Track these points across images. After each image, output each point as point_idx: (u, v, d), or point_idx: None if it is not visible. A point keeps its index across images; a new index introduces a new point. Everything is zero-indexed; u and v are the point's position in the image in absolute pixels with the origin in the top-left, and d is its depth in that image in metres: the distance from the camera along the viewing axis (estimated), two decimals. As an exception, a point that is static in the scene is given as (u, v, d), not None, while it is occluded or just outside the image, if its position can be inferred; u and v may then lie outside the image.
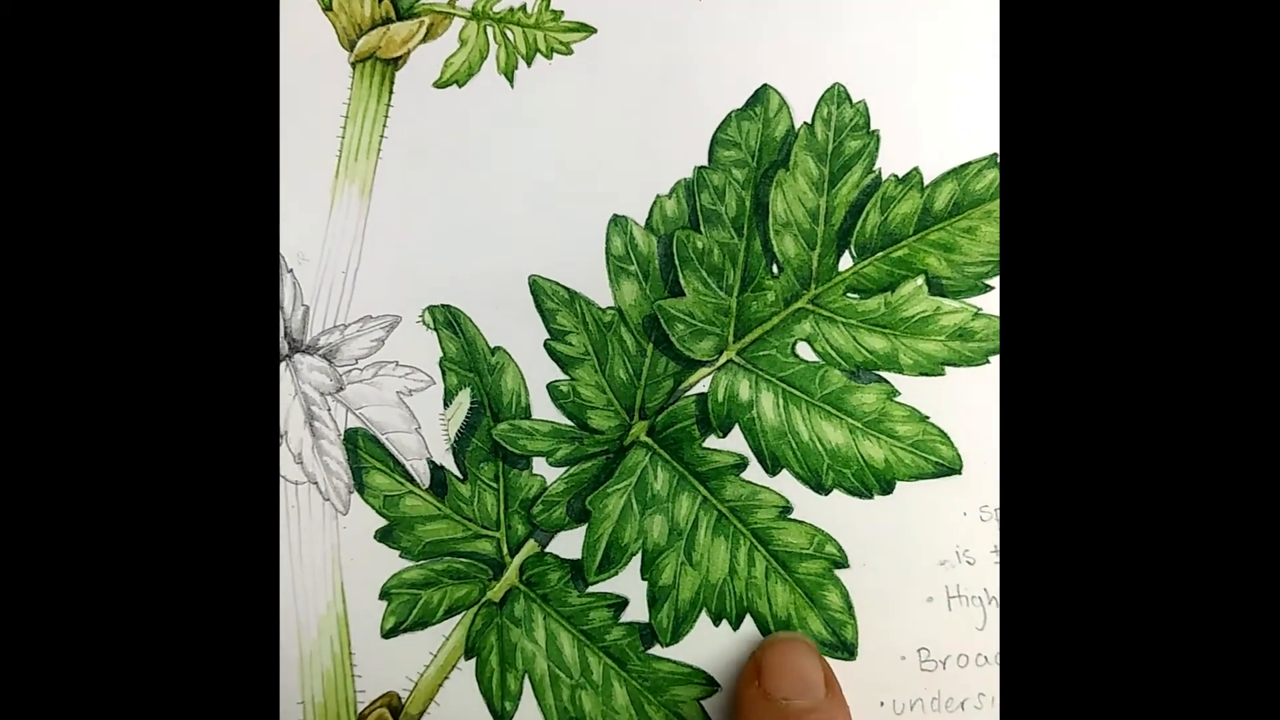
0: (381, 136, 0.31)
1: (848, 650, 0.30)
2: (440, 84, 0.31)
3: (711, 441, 0.31)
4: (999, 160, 0.30)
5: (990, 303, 0.30)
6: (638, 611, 0.31)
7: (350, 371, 0.31)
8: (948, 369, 0.30)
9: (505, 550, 0.31)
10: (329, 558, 0.31)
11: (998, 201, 0.30)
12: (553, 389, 0.31)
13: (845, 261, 0.31)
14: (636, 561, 0.30)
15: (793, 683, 0.28)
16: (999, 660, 0.30)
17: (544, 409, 0.31)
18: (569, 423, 0.31)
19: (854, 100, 0.30)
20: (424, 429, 0.31)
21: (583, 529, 0.31)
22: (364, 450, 0.31)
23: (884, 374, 0.30)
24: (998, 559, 0.30)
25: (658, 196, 0.31)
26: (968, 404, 0.30)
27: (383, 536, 0.31)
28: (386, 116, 0.31)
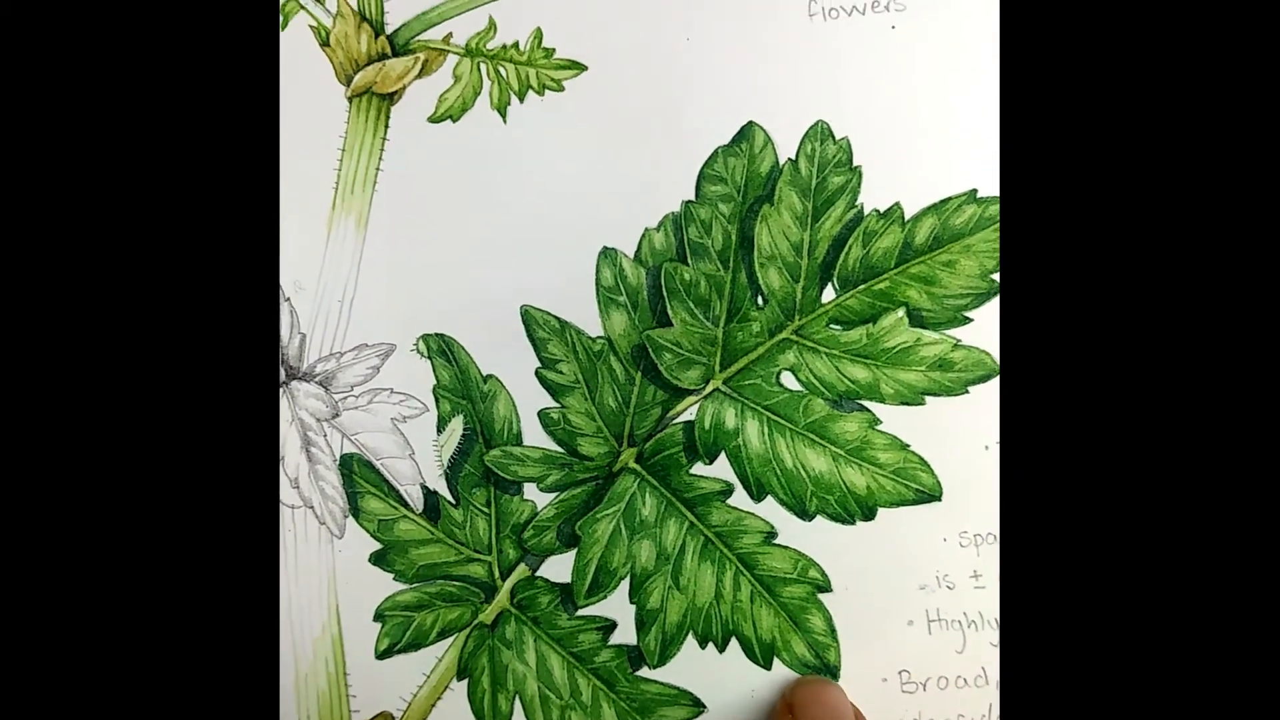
0: (377, 169, 0.32)
1: (831, 672, 0.31)
2: (435, 119, 0.32)
3: (698, 468, 0.31)
4: (999, 191, 0.31)
5: (969, 334, 0.31)
6: (626, 634, 0.31)
7: (346, 398, 0.32)
8: (928, 398, 0.31)
9: (497, 574, 0.32)
10: (324, 580, 0.32)
11: (977, 236, 0.31)
12: (544, 416, 0.32)
13: (828, 294, 0.31)
14: (625, 585, 0.31)
15: (825, 712, 0.29)
16: (983, 682, 0.31)
17: (535, 436, 0.32)
18: (559, 449, 0.32)
19: (837, 137, 0.31)
20: (418, 455, 0.32)
21: (572, 553, 0.31)
22: (359, 475, 0.32)
23: (866, 403, 0.31)
24: (977, 584, 0.31)
25: (646, 230, 0.32)
26: (947, 432, 0.31)
27: (377, 560, 0.32)
28: (382, 150, 0.32)
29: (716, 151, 0.31)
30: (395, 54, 0.32)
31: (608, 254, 0.32)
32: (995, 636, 0.31)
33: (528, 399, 0.32)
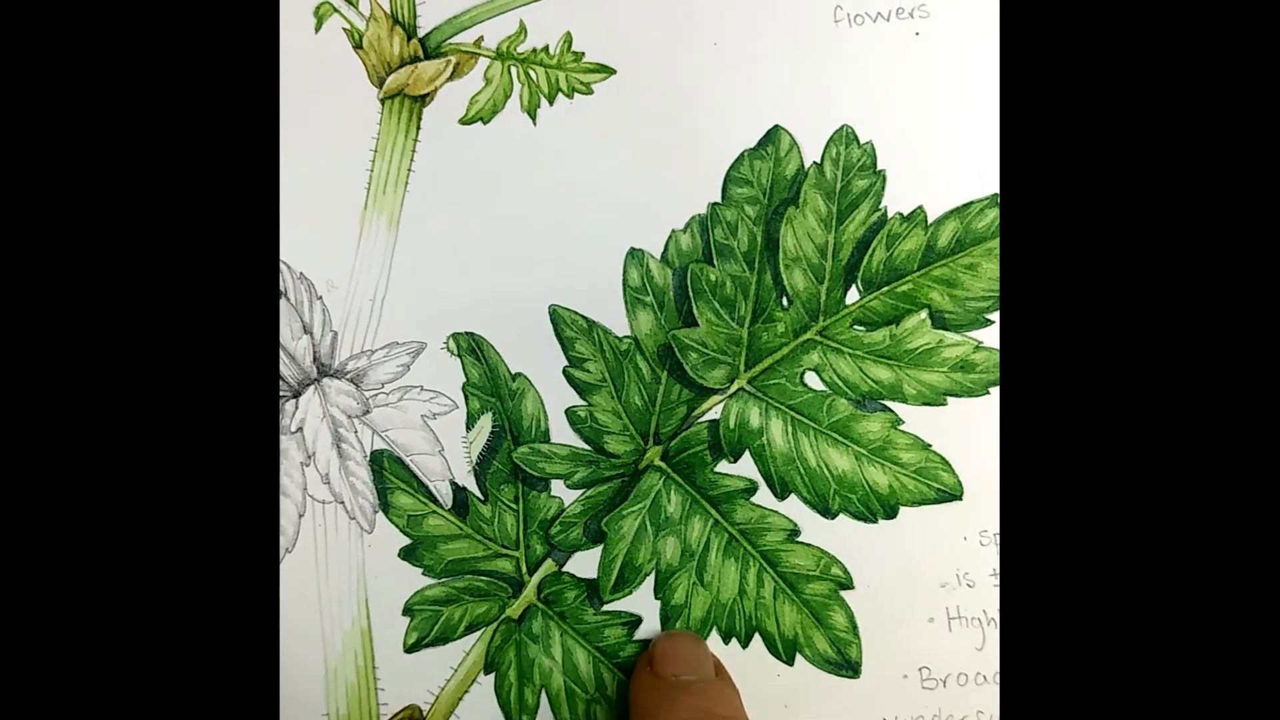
0: (409, 170, 0.33)
1: (852, 669, 0.31)
2: (465, 121, 0.33)
3: (723, 466, 0.32)
4: (999, 196, 0.32)
5: (991, 336, 0.32)
6: (651, 629, 0.32)
7: (377, 395, 0.32)
8: (949, 399, 0.32)
9: (524, 569, 0.32)
10: (354, 575, 0.32)
11: (999, 239, 0.31)
12: (571, 414, 0.32)
13: (852, 295, 0.32)
14: (650, 581, 0.32)
15: (682, 663, 0.30)
16: (999, 679, 0.31)
17: (562, 433, 0.32)
18: (586, 447, 0.32)
19: (861, 141, 0.32)
20: (447, 451, 0.32)
21: (599, 549, 0.32)
22: (389, 471, 0.32)
23: (888, 403, 0.32)
24: (996, 582, 0.31)
25: (673, 231, 0.32)
26: (968, 433, 0.31)
27: (406, 555, 0.32)
28: (414, 151, 0.33)
29: (742, 154, 0.32)
30: (427, 56, 0.33)
31: (635, 255, 0.32)
32: (1015, 634, 0.31)
33: (555, 397, 0.32)
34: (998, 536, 0.32)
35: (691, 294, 0.32)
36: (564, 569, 0.32)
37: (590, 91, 0.32)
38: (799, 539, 0.32)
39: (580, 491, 0.32)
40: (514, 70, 0.33)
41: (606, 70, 0.32)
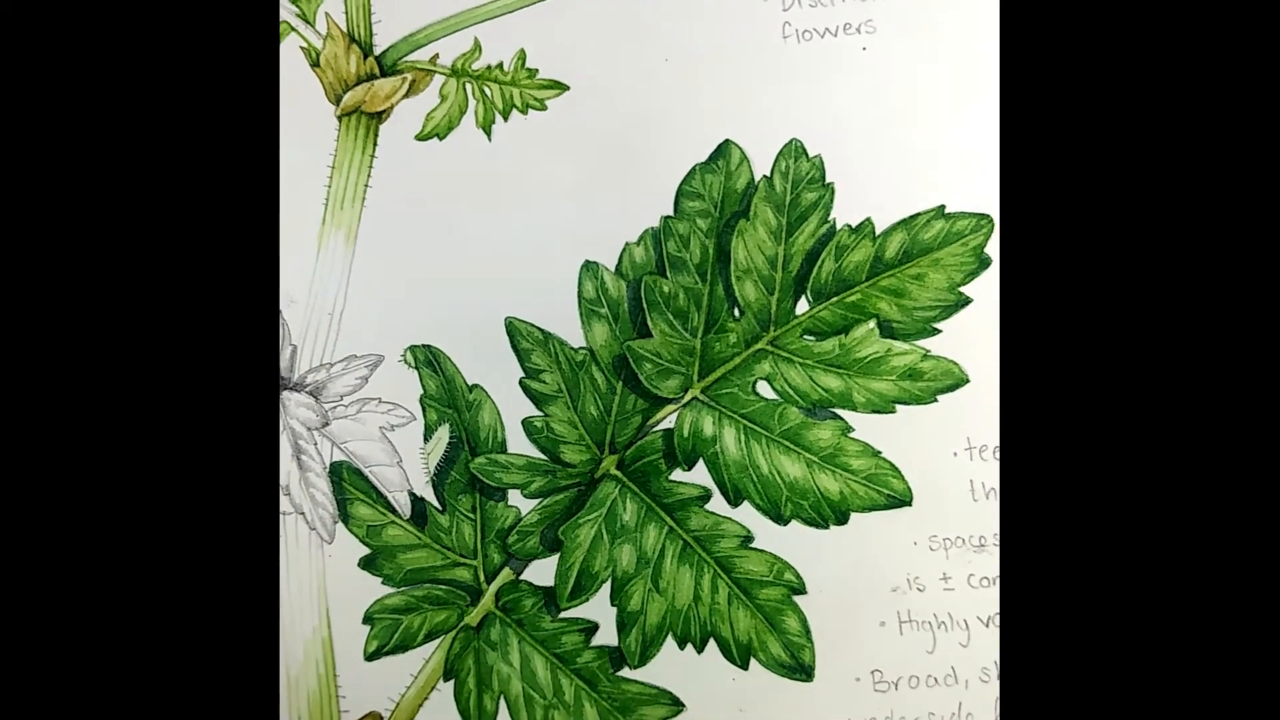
0: (366, 186, 0.33)
1: (806, 672, 0.32)
2: (422, 137, 0.33)
3: (677, 475, 0.32)
4: (997, 202, 0.32)
5: (938, 345, 0.32)
6: (607, 635, 0.32)
7: (335, 408, 0.33)
8: (898, 407, 0.32)
9: (482, 578, 0.33)
10: (315, 584, 0.33)
11: (945, 250, 0.32)
12: (528, 425, 0.33)
13: (802, 306, 0.32)
14: (606, 588, 0.32)
15: None
16: (950, 681, 0.32)
17: (519, 444, 0.33)
18: (543, 457, 0.33)
19: (810, 155, 0.32)
20: (405, 462, 0.33)
21: (555, 558, 0.32)
22: (348, 482, 0.33)
23: (839, 411, 0.32)
24: (945, 586, 0.32)
25: (627, 244, 0.33)
26: (917, 439, 0.32)
27: (366, 564, 0.33)
28: (371, 167, 0.33)
29: (694, 168, 0.33)
30: (383, 74, 0.33)
31: (589, 267, 0.33)
32: (964, 636, 0.32)
33: (512, 408, 0.33)
34: (947, 541, 0.32)
35: (645, 305, 0.32)
36: (521, 577, 0.33)
37: (544, 107, 0.33)
38: (752, 545, 0.32)
39: (537, 501, 0.33)
40: (469, 87, 0.33)
41: (559, 86, 0.33)
